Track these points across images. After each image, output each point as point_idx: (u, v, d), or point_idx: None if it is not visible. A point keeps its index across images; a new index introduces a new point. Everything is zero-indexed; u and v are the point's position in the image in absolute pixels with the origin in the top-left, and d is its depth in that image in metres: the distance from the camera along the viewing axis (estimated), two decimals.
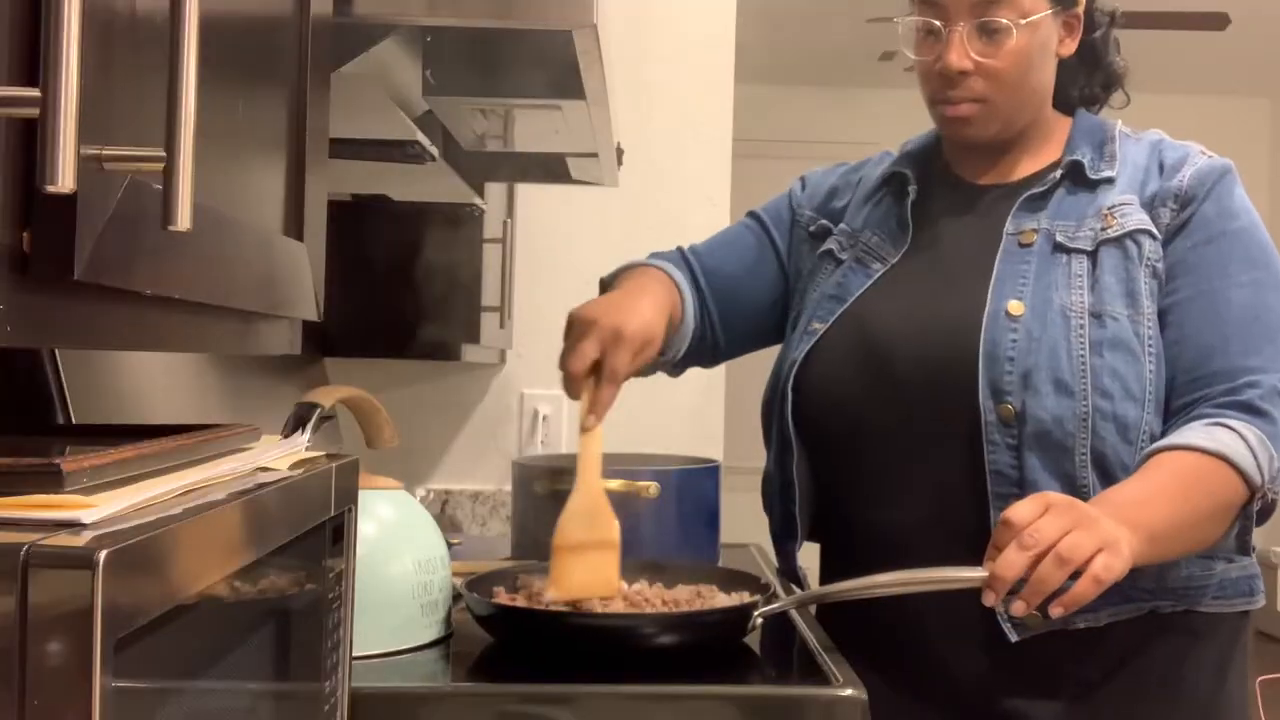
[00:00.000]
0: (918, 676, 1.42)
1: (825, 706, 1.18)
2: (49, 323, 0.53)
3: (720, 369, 2.36)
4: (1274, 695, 4.01)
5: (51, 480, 0.57)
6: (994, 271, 1.40)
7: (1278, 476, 1.31)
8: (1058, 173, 1.44)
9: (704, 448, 2.21)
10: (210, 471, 0.72)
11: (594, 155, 1.82)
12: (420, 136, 1.40)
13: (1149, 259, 1.37)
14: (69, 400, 1.15)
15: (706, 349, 1.61)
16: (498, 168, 1.99)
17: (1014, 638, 1.34)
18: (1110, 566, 1.16)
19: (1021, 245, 1.41)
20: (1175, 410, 1.35)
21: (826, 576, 1.52)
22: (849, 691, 1.18)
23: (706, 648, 1.27)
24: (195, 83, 0.54)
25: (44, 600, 0.47)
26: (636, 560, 1.47)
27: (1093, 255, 1.38)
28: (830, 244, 1.54)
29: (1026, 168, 1.48)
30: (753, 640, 1.33)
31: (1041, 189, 1.44)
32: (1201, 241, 1.38)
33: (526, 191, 2.38)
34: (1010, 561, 1.16)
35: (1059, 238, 1.40)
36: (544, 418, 2.41)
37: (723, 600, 1.37)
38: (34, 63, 0.47)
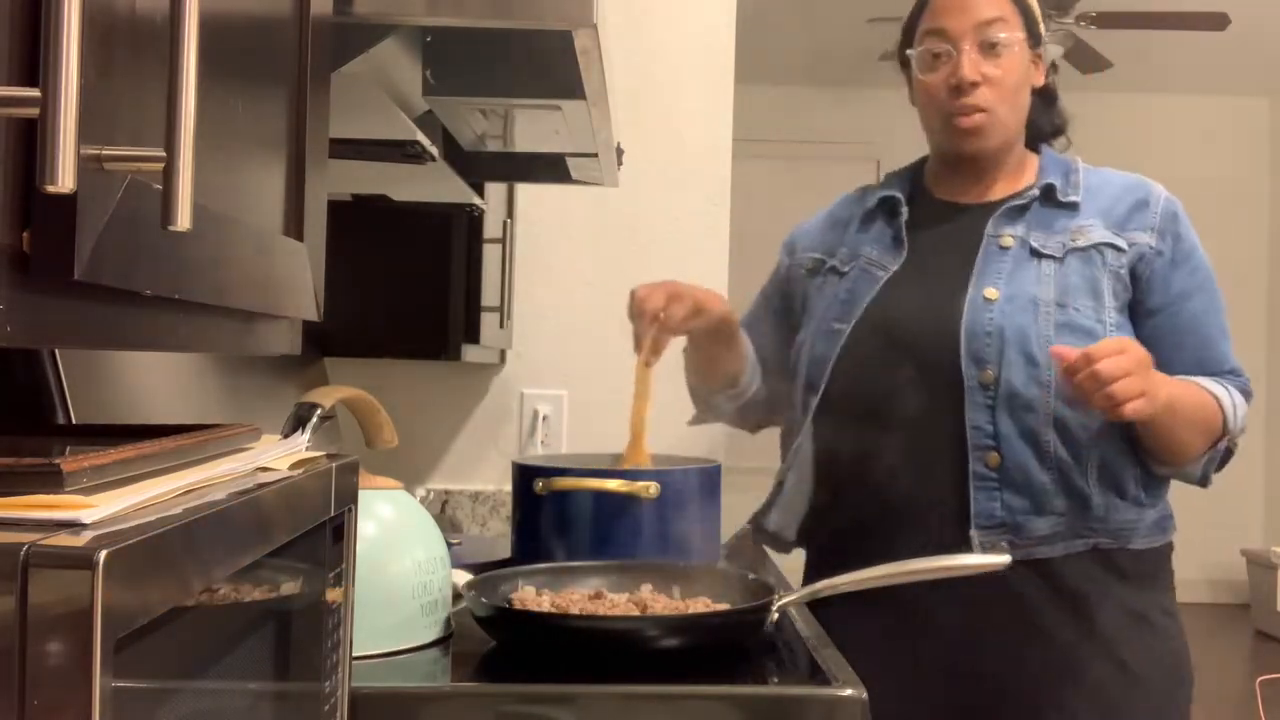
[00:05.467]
0: (906, 625, 1.66)
1: (825, 706, 1.18)
2: (49, 323, 0.53)
3: None
4: (1274, 695, 4.01)
5: (51, 480, 0.57)
6: (975, 266, 1.69)
7: (1239, 434, 1.70)
8: (1035, 191, 1.74)
9: (704, 448, 2.21)
10: (210, 471, 0.72)
11: (594, 155, 1.82)
12: (420, 136, 1.40)
13: (1111, 266, 1.68)
14: (69, 400, 1.15)
15: (766, 409, 1.93)
16: (498, 168, 1.99)
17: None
18: (1139, 410, 1.50)
19: (1000, 248, 1.70)
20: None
21: (830, 545, 1.77)
22: (849, 691, 1.18)
23: (707, 649, 1.27)
24: (195, 83, 0.54)
25: (44, 600, 0.47)
26: (640, 562, 1.48)
27: (1061, 260, 1.67)
28: (832, 263, 1.82)
29: (1002, 190, 1.77)
30: (753, 640, 1.33)
31: (1021, 203, 1.73)
32: (1178, 262, 1.72)
33: (526, 191, 2.38)
34: (1113, 369, 1.48)
35: (1034, 244, 1.69)
36: (544, 418, 2.41)
37: (726, 604, 1.37)
38: (34, 63, 0.47)
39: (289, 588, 0.82)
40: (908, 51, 1.76)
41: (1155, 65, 6.61)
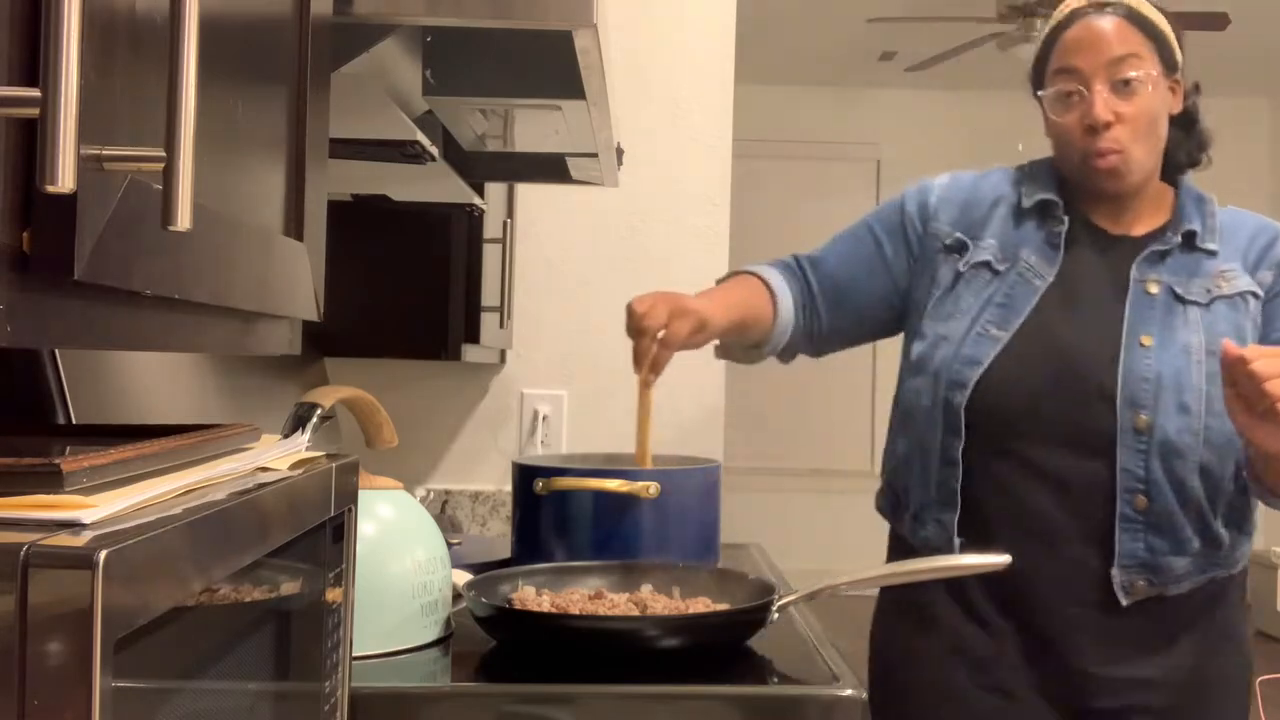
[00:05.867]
0: (1025, 639, 1.66)
1: (825, 706, 1.18)
2: (49, 323, 0.53)
3: (719, 370, 2.37)
4: (1274, 695, 4.01)
5: (51, 480, 0.57)
6: (1126, 310, 1.67)
7: None
8: (1177, 238, 1.71)
9: (704, 448, 2.21)
10: (210, 471, 0.72)
11: (594, 155, 1.82)
12: (420, 136, 1.40)
13: (1251, 313, 1.69)
14: (69, 400, 1.15)
15: (812, 341, 1.86)
16: (498, 168, 1.99)
17: (1125, 601, 1.62)
18: None
19: (1147, 293, 1.68)
20: None
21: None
22: (849, 691, 1.18)
23: (707, 649, 1.27)
24: (195, 83, 0.54)
25: (44, 600, 0.47)
26: (640, 562, 1.48)
27: (1207, 307, 1.67)
28: (984, 255, 1.75)
29: (1144, 224, 1.74)
30: (753, 640, 1.33)
31: (1163, 249, 1.70)
32: None
33: (526, 191, 2.38)
34: (1252, 355, 1.45)
35: (1177, 290, 1.68)
36: (544, 418, 2.41)
37: (726, 604, 1.37)
38: (34, 63, 0.47)
39: (289, 588, 0.82)
40: (1039, 93, 1.73)
41: None
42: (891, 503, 1.78)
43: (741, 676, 1.27)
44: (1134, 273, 1.69)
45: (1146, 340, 1.64)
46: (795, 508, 6.92)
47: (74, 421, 1.14)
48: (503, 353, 2.40)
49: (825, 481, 7.01)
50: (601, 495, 1.59)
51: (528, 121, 1.67)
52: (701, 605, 1.36)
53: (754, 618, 1.32)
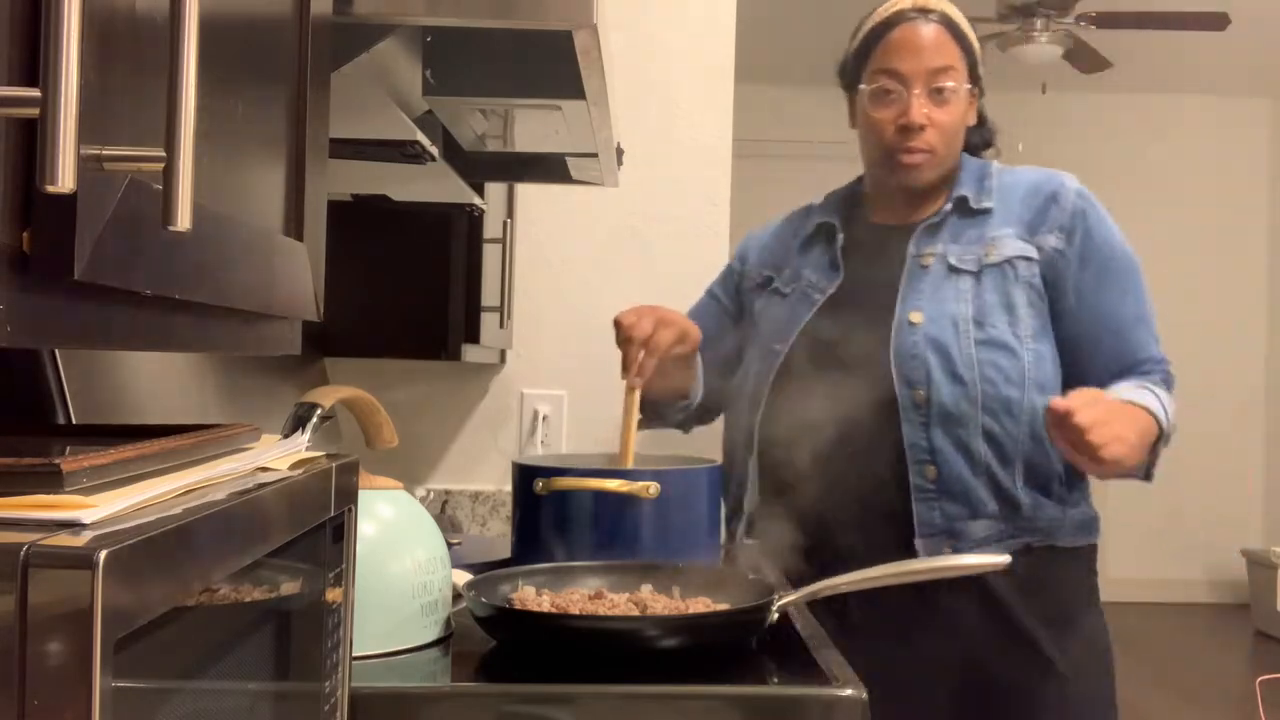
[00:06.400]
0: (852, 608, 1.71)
1: (825, 706, 1.18)
2: (49, 323, 0.53)
3: None
4: (1274, 695, 4.01)
5: (51, 480, 0.57)
6: (900, 289, 1.78)
7: (1173, 430, 1.75)
8: (948, 206, 1.83)
9: (704, 448, 2.21)
10: (210, 471, 0.72)
11: (594, 155, 1.82)
12: (420, 136, 1.40)
13: (1024, 278, 1.77)
14: (69, 400, 1.15)
15: (701, 409, 2.01)
16: (498, 168, 1.99)
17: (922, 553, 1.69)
18: (1115, 453, 1.58)
19: (921, 267, 1.80)
20: (1104, 382, 1.75)
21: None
22: (849, 691, 1.18)
23: (707, 649, 1.27)
24: (195, 83, 0.54)
25: (44, 600, 0.47)
26: (640, 562, 1.47)
27: (976, 275, 1.77)
28: (776, 284, 1.92)
29: (926, 209, 1.86)
30: (753, 640, 1.33)
31: (937, 220, 1.83)
32: (1096, 270, 1.79)
33: (526, 191, 2.38)
34: (1075, 407, 1.57)
35: (951, 260, 1.78)
36: (544, 418, 2.41)
37: (726, 604, 1.37)
38: (34, 63, 0.47)
39: (289, 588, 0.82)
40: (860, 86, 1.84)
41: (1155, 65, 6.61)
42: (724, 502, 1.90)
43: (741, 676, 1.27)
44: (910, 248, 1.81)
45: (915, 318, 1.75)
46: None
47: (74, 421, 1.14)
48: (503, 353, 2.40)
49: None
50: (601, 495, 1.59)
51: (528, 121, 1.67)
52: (701, 605, 1.36)
53: (754, 618, 1.32)
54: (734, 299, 2.01)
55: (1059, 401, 1.59)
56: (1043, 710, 1.74)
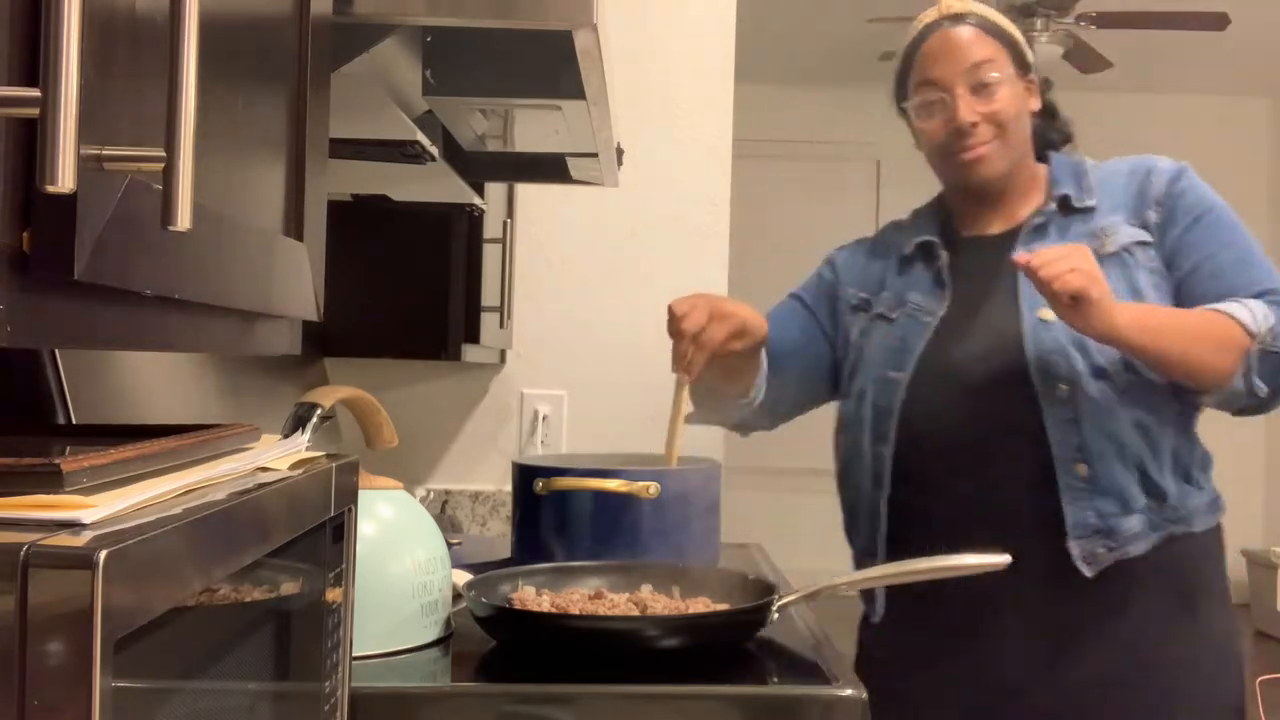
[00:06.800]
0: (988, 616, 1.68)
1: (825, 706, 1.18)
2: (49, 323, 0.53)
3: None
4: (1274, 695, 4.01)
5: (51, 480, 0.57)
6: (1019, 291, 1.71)
7: (1270, 336, 1.63)
8: (1052, 205, 1.78)
9: (704, 448, 2.21)
10: (210, 471, 0.72)
11: (594, 155, 1.82)
12: (420, 136, 1.40)
13: (1144, 264, 1.71)
14: (69, 400, 1.15)
15: (764, 412, 1.91)
16: (498, 168, 1.99)
17: (1089, 572, 1.64)
18: (1071, 282, 1.52)
19: None
20: None
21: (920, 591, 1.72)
22: (849, 691, 1.18)
23: (707, 649, 1.27)
24: (195, 83, 0.54)
25: (44, 600, 0.47)
26: (640, 562, 1.47)
27: None
28: (880, 308, 1.84)
29: (1023, 212, 1.81)
30: (753, 640, 1.33)
31: (1042, 220, 1.77)
32: (1188, 226, 1.73)
33: (526, 191, 2.38)
34: (1043, 257, 1.55)
35: None
36: (544, 418, 2.41)
37: (725, 604, 1.37)
38: (34, 63, 0.47)
39: (289, 588, 0.82)
40: (903, 105, 1.81)
41: (1155, 65, 6.61)
42: (850, 539, 1.86)
43: (741, 676, 1.27)
44: (1020, 251, 1.72)
45: (1046, 315, 1.66)
46: (795, 508, 6.92)
47: (74, 421, 1.14)
48: (503, 353, 2.40)
49: (825, 481, 6.98)
50: (601, 495, 1.59)
51: (528, 121, 1.67)
52: (701, 605, 1.36)
53: (754, 618, 1.32)
54: (829, 314, 1.93)
55: (1021, 257, 1.57)
56: (1176, 696, 1.70)
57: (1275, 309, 1.67)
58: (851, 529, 1.83)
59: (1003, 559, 1.45)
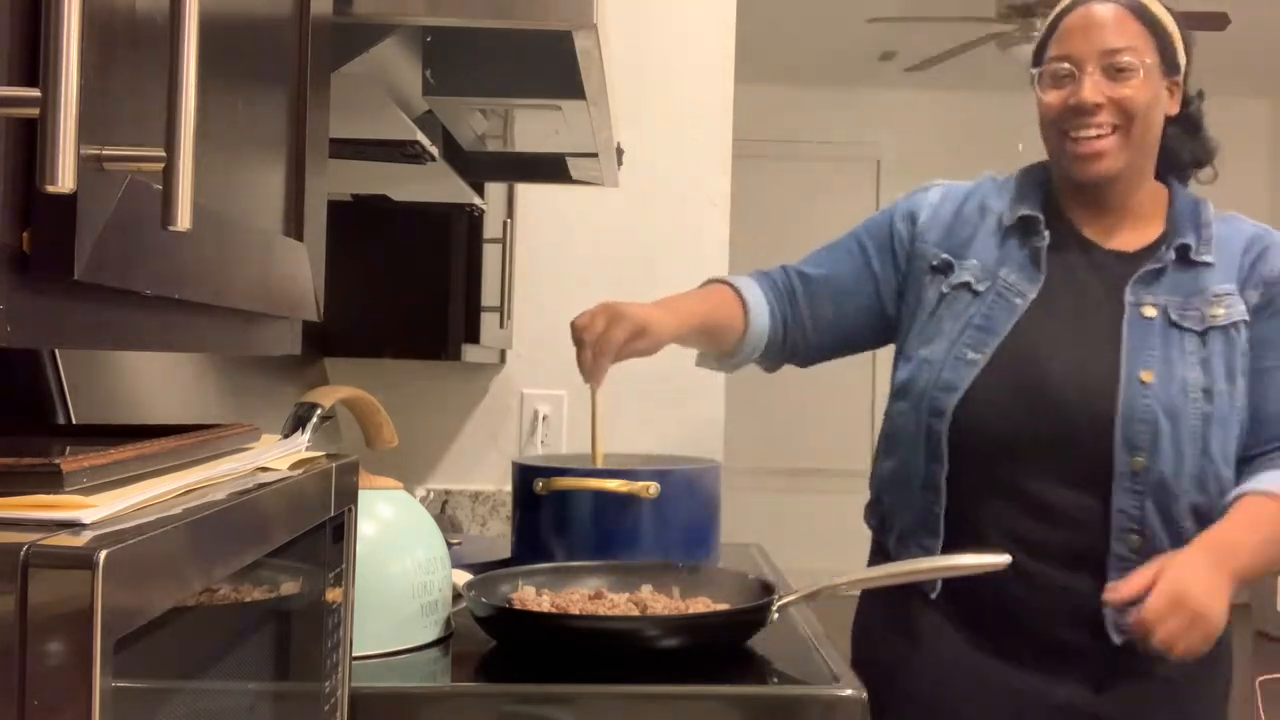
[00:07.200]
0: (1034, 652, 1.64)
1: (825, 706, 1.18)
2: (49, 323, 0.53)
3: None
4: (1274, 695, 4.01)
5: (51, 480, 0.57)
6: (1123, 340, 1.63)
7: None
8: (1170, 254, 1.67)
9: (704, 448, 2.21)
10: (210, 471, 0.72)
11: (594, 155, 1.82)
12: (420, 136, 1.40)
13: (1242, 345, 1.65)
14: (69, 400, 1.15)
15: (798, 351, 1.84)
16: (498, 168, 1.99)
17: (1117, 640, 1.60)
18: (1195, 649, 1.50)
19: (1144, 318, 1.64)
20: (1251, 458, 1.64)
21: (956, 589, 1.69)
22: (849, 691, 1.18)
23: (707, 649, 1.27)
24: (195, 83, 0.54)
25: (44, 600, 0.47)
26: (640, 562, 1.47)
27: (1202, 336, 1.63)
28: (965, 276, 1.72)
29: (1136, 236, 1.71)
30: (753, 640, 1.33)
31: (1156, 266, 1.67)
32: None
33: (526, 191, 2.38)
34: (1151, 614, 1.49)
35: (1173, 315, 1.64)
36: (544, 418, 2.41)
37: (725, 604, 1.37)
38: (34, 63, 0.47)
39: (289, 588, 0.82)
40: (1032, 70, 1.71)
41: None
42: (879, 520, 1.77)
43: (741, 676, 1.27)
44: (1129, 295, 1.66)
45: (1147, 377, 1.61)
46: (795, 508, 6.92)
47: (74, 421, 1.14)
48: (503, 353, 2.40)
49: (825, 481, 7.01)
50: (601, 495, 1.59)
51: (528, 121, 1.67)
52: (701, 605, 1.36)
53: (754, 618, 1.32)
54: (893, 266, 1.80)
55: (1136, 616, 1.49)
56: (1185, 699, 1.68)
57: None
58: (892, 501, 1.74)
59: (1003, 559, 1.44)
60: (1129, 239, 1.70)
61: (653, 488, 1.59)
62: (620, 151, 1.92)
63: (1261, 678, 3.94)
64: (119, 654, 0.50)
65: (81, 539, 0.51)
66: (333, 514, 0.89)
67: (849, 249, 1.84)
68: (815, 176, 7.29)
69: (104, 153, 0.52)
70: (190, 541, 0.60)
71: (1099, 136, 1.63)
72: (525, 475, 1.66)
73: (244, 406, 1.66)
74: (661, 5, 2.41)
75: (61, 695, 0.47)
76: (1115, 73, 1.63)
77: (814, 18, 6.07)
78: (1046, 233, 1.70)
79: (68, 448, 0.70)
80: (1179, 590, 1.48)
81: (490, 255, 2.14)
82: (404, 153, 1.45)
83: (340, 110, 1.03)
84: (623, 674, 1.19)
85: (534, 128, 1.70)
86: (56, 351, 1.14)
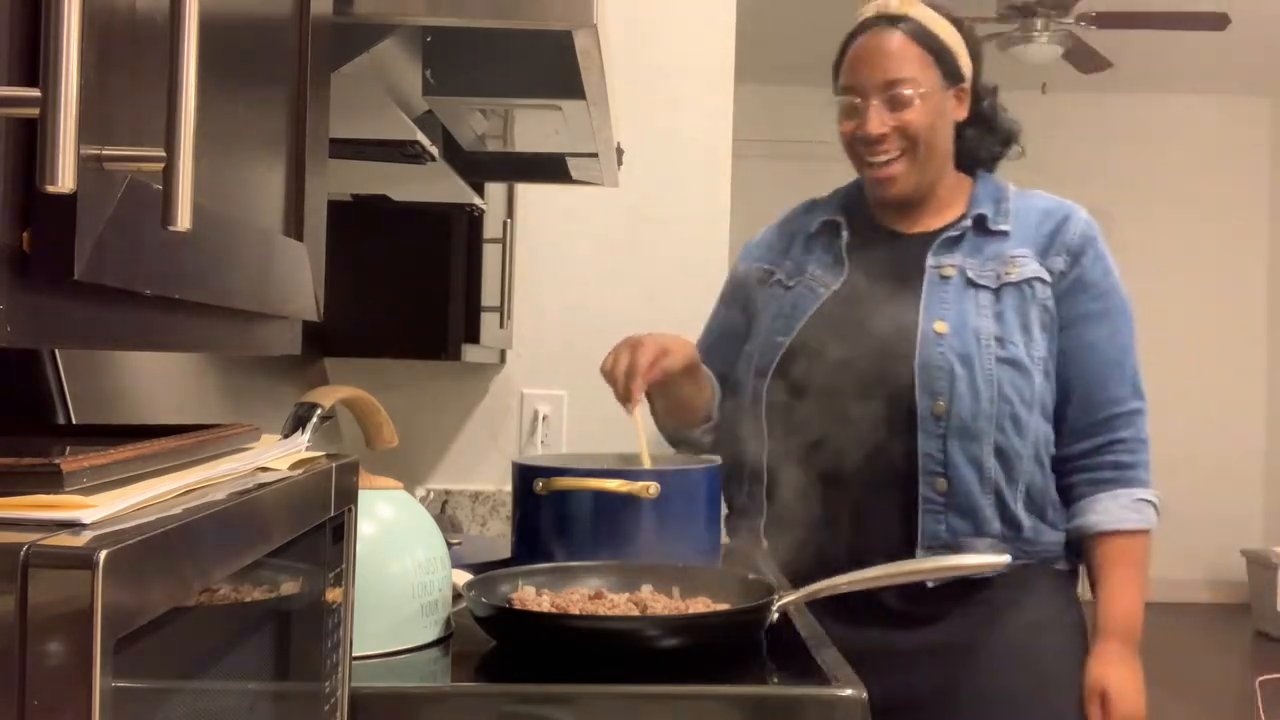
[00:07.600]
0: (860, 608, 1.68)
1: (825, 706, 1.18)
2: (49, 323, 0.53)
3: None
4: (1274, 695, 4.02)
5: (51, 480, 0.57)
6: (922, 298, 1.77)
7: (1154, 497, 1.80)
8: (968, 222, 1.83)
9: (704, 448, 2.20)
10: (210, 471, 0.72)
11: (594, 155, 1.82)
12: (420, 136, 1.40)
13: (1039, 299, 1.78)
14: (69, 400, 1.15)
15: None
16: (498, 168, 1.99)
17: (930, 584, 1.71)
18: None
19: (942, 278, 1.79)
20: (1073, 449, 1.79)
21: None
22: (849, 691, 1.18)
23: (707, 649, 1.27)
24: (195, 83, 0.54)
25: (44, 600, 0.47)
26: (640, 562, 1.47)
27: (996, 292, 1.77)
28: (779, 275, 1.91)
29: (937, 219, 1.86)
30: (753, 640, 1.33)
31: (956, 234, 1.83)
32: (1088, 300, 1.80)
33: (526, 191, 2.38)
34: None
35: (970, 274, 1.79)
36: (544, 418, 2.41)
37: (726, 604, 1.37)
38: (34, 63, 0.47)
39: (289, 588, 0.82)
40: (833, 100, 1.86)
41: (1155, 65, 6.61)
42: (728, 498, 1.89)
43: (741, 676, 1.27)
44: (929, 260, 1.80)
45: (940, 328, 1.74)
46: None
47: (74, 421, 1.14)
48: (503, 353, 2.40)
49: None
50: (601, 495, 1.59)
51: (528, 121, 1.67)
52: (701, 605, 1.36)
53: (754, 618, 1.32)
54: (740, 304, 1.98)
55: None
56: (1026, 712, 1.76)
57: (1142, 488, 1.78)
58: (731, 487, 1.86)
59: (1002, 559, 1.45)
60: (932, 222, 1.86)
61: (653, 488, 1.59)
62: (620, 151, 1.92)
63: (1261, 678, 3.94)
64: (119, 654, 0.50)
65: (81, 539, 0.51)
66: (333, 514, 0.89)
67: (715, 315, 2.02)
68: (815, 176, 7.28)
69: (104, 153, 0.52)
70: (190, 541, 0.60)
71: (888, 162, 1.79)
72: (525, 475, 1.66)
73: (244, 406, 1.66)
74: (661, 5, 2.41)
75: (61, 695, 0.47)
76: (894, 101, 1.78)
77: (814, 18, 6.06)
78: (845, 233, 1.88)
79: (68, 448, 0.70)
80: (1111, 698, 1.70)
81: (490, 255, 2.14)
82: (404, 153, 1.45)
83: (340, 110, 1.03)
84: (623, 674, 1.19)
85: (534, 128, 1.70)
86: (56, 351, 1.14)
